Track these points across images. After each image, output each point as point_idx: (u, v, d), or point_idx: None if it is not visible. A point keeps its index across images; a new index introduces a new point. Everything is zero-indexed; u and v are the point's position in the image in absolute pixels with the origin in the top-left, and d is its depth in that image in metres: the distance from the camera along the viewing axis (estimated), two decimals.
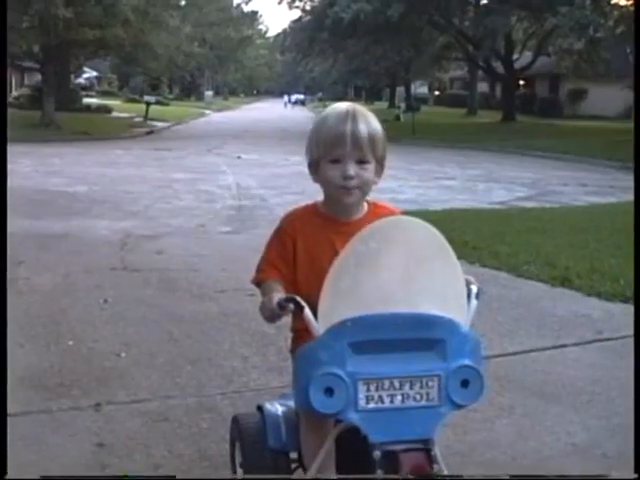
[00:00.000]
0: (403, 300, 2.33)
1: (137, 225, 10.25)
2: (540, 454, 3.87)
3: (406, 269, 2.36)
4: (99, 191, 13.74)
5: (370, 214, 2.72)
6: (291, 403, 2.81)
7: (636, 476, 2.38)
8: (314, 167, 2.72)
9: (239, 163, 20.09)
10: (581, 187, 16.72)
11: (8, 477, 2.90)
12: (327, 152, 2.64)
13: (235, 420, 3.22)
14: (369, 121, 2.65)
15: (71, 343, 5.34)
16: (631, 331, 5.85)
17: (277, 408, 2.99)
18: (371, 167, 2.66)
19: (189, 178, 16.27)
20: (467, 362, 2.30)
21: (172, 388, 4.62)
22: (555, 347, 5.52)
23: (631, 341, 5.64)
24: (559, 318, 6.22)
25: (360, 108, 2.69)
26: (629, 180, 18.51)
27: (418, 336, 2.29)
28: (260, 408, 3.05)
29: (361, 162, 2.63)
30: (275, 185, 15.35)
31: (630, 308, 6.48)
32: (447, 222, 8.05)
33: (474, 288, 2.52)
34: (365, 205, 2.77)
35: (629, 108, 51.30)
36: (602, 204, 13.84)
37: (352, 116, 2.62)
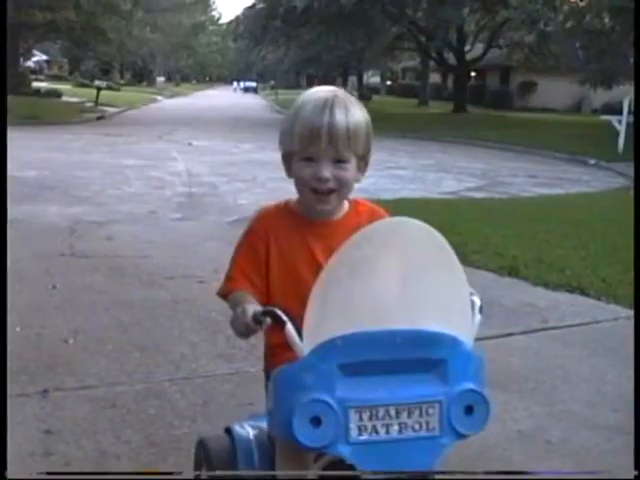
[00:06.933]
0: (401, 314, 2.02)
1: (87, 211, 10.15)
2: (486, 441, 3.89)
3: (405, 279, 2.04)
4: (48, 176, 13.56)
5: (352, 212, 2.45)
6: (263, 424, 2.56)
7: (636, 474, 2.38)
8: (288, 161, 2.38)
9: (190, 150, 19.95)
10: (530, 178, 16.88)
11: (8, 477, 2.85)
12: (300, 148, 2.29)
13: (202, 444, 2.89)
14: (350, 111, 2.28)
15: (19, 329, 5.27)
16: (577, 320, 5.99)
17: (248, 431, 2.73)
18: (351, 166, 2.32)
19: (140, 164, 16.12)
20: (471, 386, 2.07)
21: (120, 375, 4.59)
22: (502, 336, 5.57)
23: (577, 330, 5.78)
24: (506, 307, 6.29)
25: (342, 95, 2.32)
26: (577, 172, 18.85)
27: (417, 356, 2.01)
28: (229, 430, 2.77)
29: (339, 161, 2.29)
30: (226, 172, 15.26)
31: (576, 298, 6.61)
32: (397, 211, 8.01)
33: (477, 301, 2.21)
34: (345, 202, 2.45)
35: (578, 101, 52.19)
36: (550, 195, 13.99)
37: (330, 106, 2.25)
